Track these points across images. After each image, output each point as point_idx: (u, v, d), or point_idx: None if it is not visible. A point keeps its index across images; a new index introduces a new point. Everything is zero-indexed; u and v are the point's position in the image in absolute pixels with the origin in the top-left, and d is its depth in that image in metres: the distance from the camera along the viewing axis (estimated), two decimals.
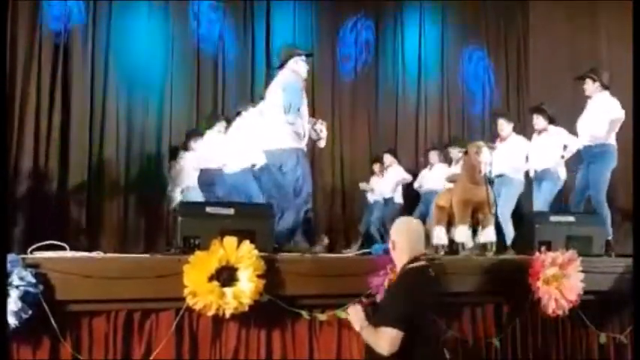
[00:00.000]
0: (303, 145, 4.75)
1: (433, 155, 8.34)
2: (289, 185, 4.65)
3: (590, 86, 5.87)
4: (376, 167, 8.69)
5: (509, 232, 5.88)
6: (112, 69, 8.00)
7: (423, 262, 3.07)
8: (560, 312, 3.89)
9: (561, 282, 3.89)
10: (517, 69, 9.86)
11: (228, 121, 6.51)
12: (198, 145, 7.06)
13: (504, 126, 6.60)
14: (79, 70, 7.75)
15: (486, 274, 3.97)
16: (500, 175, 6.20)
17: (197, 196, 6.65)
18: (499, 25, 9.97)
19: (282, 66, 4.93)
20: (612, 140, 5.72)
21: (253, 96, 8.63)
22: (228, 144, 6.09)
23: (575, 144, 5.93)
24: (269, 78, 8.72)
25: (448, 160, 7.95)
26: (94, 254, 3.75)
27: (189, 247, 3.57)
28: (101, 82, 7.94)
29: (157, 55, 8.35)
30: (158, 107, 8.31)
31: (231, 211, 3.87)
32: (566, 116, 6.25)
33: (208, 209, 3.88)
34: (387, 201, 8.37)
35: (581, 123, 5.88)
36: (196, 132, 7.33)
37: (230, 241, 3.36)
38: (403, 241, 3.11)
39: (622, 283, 4.18)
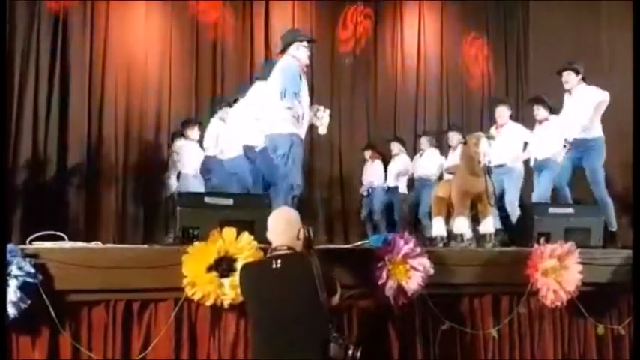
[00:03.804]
0: (300, 130, 4.76)
1: (424, 141, 8.27)
2: (281, 170, 4.66)
3: (572, 79, 5.78)
4: (367, 154, 8.60)
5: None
6: (110, 61, 7.98)
7: (276, 253, 2.99)
8: (558, 303, 3.91)
9: (560, 273, 3.90)
10: (516, 58, 9.84)
11: (230, 107, 6.48)
12: (195, 134, 7.09)
13: (504, 113, 6.55)
14: (77, 62, 7.76)
15: (485, 266, 3.99)
16: (500, 166, 6.16)
17: (194, 183, 6.72)
18: (499, 12, 9.94)
19: (283, 51, 4.92)
20: (600, 132, 5.66)
21: (252, 83, 8.68)
22: (226, 130, 6.09)
23: (577, 132, 5.85)
24: (267, 64, 8.83)
25: (446, 146, 7.88)
26: (92, 244, 3.75)
27: (188, 237, 3.57)
28: (99, 73, 7.92)
29: (156, 42, 8.33)
30: (156, 95, 8.30)
31: (230, 201, 3.88)
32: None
33: (207, 200, 3.88)
34: (391, 190, 8.29)
35: (564, 117, 5.81)
36: (192, 120, 7.35)
37: (229, 231, 3.36)
38: (269, 230, 3.08)
39: (620, 275, 4.19)
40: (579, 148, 5.75)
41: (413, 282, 3.61)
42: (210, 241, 3.33)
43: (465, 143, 5.08)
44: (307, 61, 4.94)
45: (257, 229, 3.49)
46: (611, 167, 5.99)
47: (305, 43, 4.91)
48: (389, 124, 9.45)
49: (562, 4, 8.45)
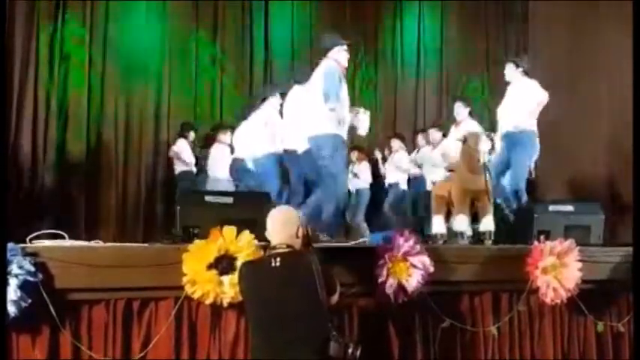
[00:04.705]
0: (343, 132, 4.88)
1: (395, 142, 8.24)
2: (327, 170, 4.78)
3: (512, 71, 5.75)
4: (354, 155, 8.43)
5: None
6: (110, 58, 7.97)
7: (275, 251, 2.99)
8: (558, 301, 3.91)
9: (560, 271, 3.90)
10: (516, 55, 9.81)
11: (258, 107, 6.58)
12: (227, 137, 7.25)
13: (461, 110, 6.55)
14: (77, 62, 7.76)
15: (485, 263, 3.99)
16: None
17: (226, 186, 6.83)
18: (498, 12, 9.93)
19: (325, 54, 5.05)
20: (533, 126, 5.61)
21: (252, 84, 8.70)
22: (254, 130, 6.19)
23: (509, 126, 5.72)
24: (267, 65, 8.85)
25: (428, 143, 7.77)
26: (93, 243, 3.75)
27: (188, 236, 3.57)
28: (99, 73, 7.92)
29: (155, 42, 8.33)
30: (156, 96, 8.30)
31: (230, 199, 3.88)
32: (567, 103, 6.25)
33: (207, 198, 3.88)
34: (392, 186, 8.20)
35: (502, 109, 5.76)
36: (225, 124, 7.57)
37: (229, 230, 3.36)
38: (268, 229, 3.08)
39: (620, 273, 4.19)
40: (509, 141, 5.69)
41: (413, 280, 3.62)
42: (210, 240, 3.33)
43: (464, 141, 5.08)
44: (346, 64, 5.09)
45: (257, 227, 3.49)
46: (611, 167, 5.99)
47: (345, 47, 5.06)
48: (388, 124, 9.43)
49: (562, 3, 8.44)
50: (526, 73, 5.75)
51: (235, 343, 3.46)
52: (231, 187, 6.74)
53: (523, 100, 5.59)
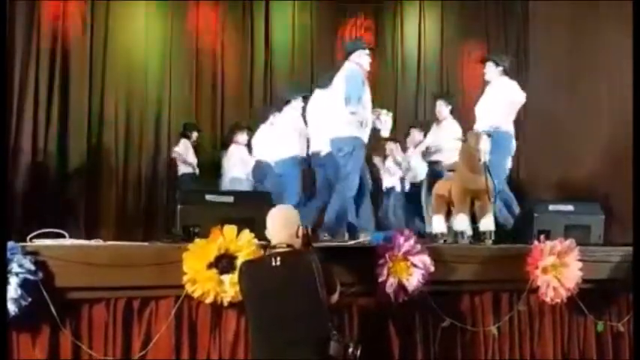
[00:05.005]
0: (364, 134, 4.99)
1: (389, 145, 8.03)
2: (343, 170, 4.93)
3: (491, 70, 5.66)
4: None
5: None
6: (110, 61, 7.98)
7: (276, 251, 2.98)
8: (558, 300, 3.92)
9: (560, 271, 3.90)
10: (516, 56, 9.82)
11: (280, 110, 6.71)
12: (243, 138, 7.42)
13: (442, 108, 6.55)
14: (77, 63, 7.75)
15: (485, 263, 3.99)
16: (436, 162, 6.25)
17: (246, 186, 7.06)
18: (499, 12, 9.93)
19: (347, 58, 5.15)
20: (510, 127, 5.55)
21: (252, 84, 8.70)
22: (277, 133, 6.35)
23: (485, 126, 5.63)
24: (267, 65, 8.85)
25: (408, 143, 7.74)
26: (93, 242, 3.75)
27: (188, 235, 3.57)
28: (99, 73, 7.92)
29: (156, 44, 8.33)
30: (156, 96, 8.30)
31: (230, 199, 3.89)
32: (567, 103, 6.25)
33: (208, 197, 3.88)
34: (389, 189, 8.09)
35: (479, 108, 5.71)
36: (241, 125, 7.63)
37: (229, 229, 3.36)
38: (268, 228, 3.08)
39: (620, 272, 4.19)
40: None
41: (413, 279, 3.62)
42: (210, 239, 3.33)
43: (464, 141, 5.07)
44: (369, 68, 5.19)
45: (257, 226, 3.49)
46: (611, 166, 6.00)
47: (367, 51, 5.18)
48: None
49: (562, 3, 8.45)
50: (506, 72, 5.67)
51: (235, 343, 3.46)
52: (250, 187, 6.96)
53: (500, 99, 5.52)
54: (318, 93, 5.69)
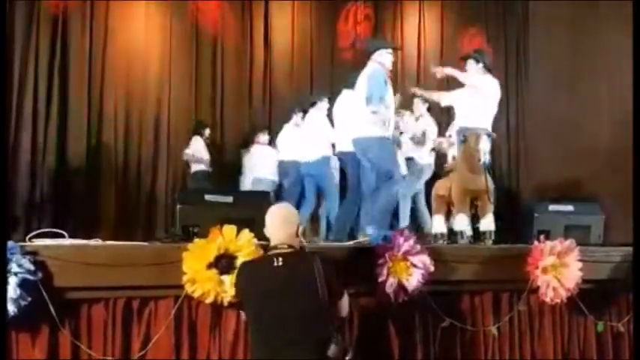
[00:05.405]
0: (387, 133, 4.97)
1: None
2: (374, 172, 4.91)
3: (473, 67, 5.57)
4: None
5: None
6: (110, 61, 7.97)
7: (277, 251, 2.95)
8: (558, 300, 3.91)
9: (560, 271, 3.90)
10: (516, 56, 9.82)
11: (305, 112, 6.95)
12: (265, 138, 7.67)
13: (419, 105, 6.62)
14: (76, 63, 7.74)
15: (485, 263, 3.99)
16: (410, 159, 6.35)
17: (269, 186, 7.21)
18: (498, 10, 9.92)
19: (369, 57, 5.12)
20: (488, 124, 5.40)
21: (252, 84, 8.69)
22: (304, 134, 6.60)
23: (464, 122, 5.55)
24: (267, 65, 8.85)
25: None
26: (92, 241, 3.75)
27: (188, 235, 3.57)
28: (99, 72, 7.92)
29: (156, 44, 8.33)
30: (156, 96, 8.29)
31: (230, 198, 3.88)
32: (567, 103, 6.24)
33: (207, 197, 3.88)
34: None
35: (459, 104, 5.61)
36: (261, 125, 7.98)
37: (229, 229, 3.35)
38: (267, 226, 3.05)
39: (620, 272, 4.19)
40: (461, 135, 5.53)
41: (413, 279, 3.61)
42: (210, 239, 3.33)
43: (465, 141, 5.07)
44: (391, 67, 5.18)
45: (257, 226, 3.49)
46: (611, 166, 5.99)
47: (390, 50, 5.15)
48: None
49: (562, 3, 8.45)
50: (488, 69, 5.59)
51: (235, 343, 3.45)
52: (272, 187, 7.15)
53: (479, 97, 5.39)
54: (345, 93, 5.72)
